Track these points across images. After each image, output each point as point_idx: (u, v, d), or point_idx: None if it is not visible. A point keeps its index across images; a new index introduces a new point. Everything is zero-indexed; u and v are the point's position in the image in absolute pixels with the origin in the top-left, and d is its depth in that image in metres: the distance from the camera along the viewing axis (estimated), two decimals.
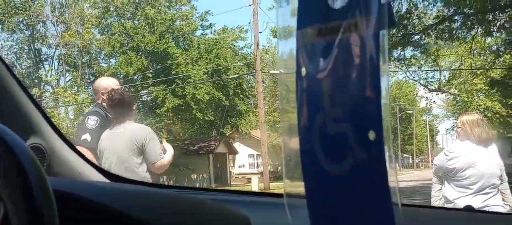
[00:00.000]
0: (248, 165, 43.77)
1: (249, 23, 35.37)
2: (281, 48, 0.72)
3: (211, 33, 36.83)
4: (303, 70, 0.65)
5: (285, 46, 0.71)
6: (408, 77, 32.78)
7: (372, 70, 0.56)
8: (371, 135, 0.57)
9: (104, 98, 4.63)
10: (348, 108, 0.59)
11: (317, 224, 0.66)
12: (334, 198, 0.63)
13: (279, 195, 0.77)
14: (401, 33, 19.37)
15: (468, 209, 2.12)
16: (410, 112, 62.90)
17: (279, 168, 37.20)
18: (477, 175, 4.34)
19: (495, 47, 21.52)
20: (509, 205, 4.50)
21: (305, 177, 0.66)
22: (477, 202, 4.22)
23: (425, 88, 32.06)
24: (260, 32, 28.92)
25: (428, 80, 29.91)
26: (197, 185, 34.22)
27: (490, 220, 1.38)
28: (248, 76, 35.71)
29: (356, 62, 0.58)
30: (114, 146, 4.37)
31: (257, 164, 40.93)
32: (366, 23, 0.56)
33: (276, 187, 24.51)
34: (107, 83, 4.93)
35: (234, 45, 36.14)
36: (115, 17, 37.37)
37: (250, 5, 26.96)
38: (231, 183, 38.57)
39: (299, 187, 0.68)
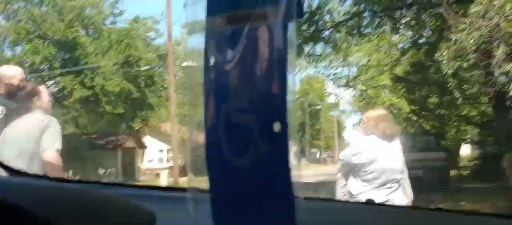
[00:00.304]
0: (158, 160, 43.10)
1: (162, 13, 34.83)
2: (191, 41, 0.70)
3: (122, 21, 35.92)
4: (212, 59, 0.63)
5: (195, 39, 0.69)
6: (317, 72, 33.44)
7: (279, 61, 0.55)
8: (276, 127, 0.55)
9: (7, 88, 4.42)
10: (254, 99, 0.57)
11: (219, 216, 0.64)
12: (238, 190, 0.61)
13: (186, 190, 0.75)
14: (312, 29, 19.69)
15: (369, 202, 2.17)
16: (319, 107, 64.02)
17: None
18: (381, 170, 4.42)
19: (401, 45, 22.35)
20: (408, 198, 4.64)
21: (209, 170, 0.64)
22: (380, 196, 4.32)
23: (334, 84, 32.78)
24: (173, 23, 28.58)
25: (337, 75, 30.58)
26: (104, 180, 33.44)
27: (388, 212, 1.42)
28: (160, 69, 35.10)
29: (264, 53, 0.56)
30: (16, 138, 4.17)
31: (167, 159, 40.48)
32: (275, 13, 0.55)
33: (186, 182, 24.24)
34: (11, 72, 4.69)
35: (147, 36, 35.47)
36: (22, 3, 35.77)
37: None
38: (140, 178, 37.90)
39: (203, 181, 0.66)
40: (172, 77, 24.50)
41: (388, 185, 4.46)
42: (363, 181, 4.49)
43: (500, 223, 1.17)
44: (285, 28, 0.54)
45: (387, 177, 4.46)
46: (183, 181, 25.45)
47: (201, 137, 0.66)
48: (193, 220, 0.74)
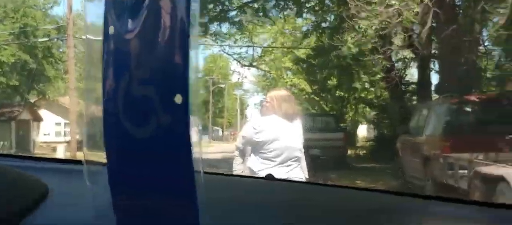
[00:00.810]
0: (55, 133, 41.66)
1: None
2: (90, 12, 0.67)
3: None
4: (111, 29, 0.61)
5: (94, 10, 0.66)
6: (222, 51, 33.50)
7: (181, 34, 0.54)
8: (178, 99, 0.55)
9: None
10: (155, 71, 0.56)
11: (116, 188, 0.63)
12: (136, 162, 0.60)
13: (82, 162, 0.73)
14: (219, 9, 19.69)
15: (269, 177, 2.20)
16: (223, 86, 64.30)
17: None
18: (281, 148, 4.51)
19: (305, 28, 22.80)
20: (305, 176, 4.78)
21: (107, 141, 0.63)
22: (280, 173, 4.40)
23: (238, 63, 33.00)
24: None
25: (241, 55, 30.79)
26: None
27: (286, 188, 1.44)
28: (60, 41, 33.82)
29: (166, 24, 0.55)
30: None
31: (65, 133, 39.16)
32: None
33: (82, 155, 23.64)
34: None
35: (45, 6, 34.05)
36: None
37: None
38: (35, 151, 36.50)
39: (100, 153, 0.65)
40: (71, 50, 23.58)
41: (288, 163, 4.56)
42: (264, 158, 4.55)
43: (389, 198, 1.23)
44: (187, 3, 0.54)
45: (287, 155, 4.55)
46: (81, 156, 24.65)
47: (99, 110, 0.64)
48: (89, 192, 0.72)
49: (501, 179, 6.87)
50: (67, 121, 33.51)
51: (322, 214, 1.03)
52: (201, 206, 0.58)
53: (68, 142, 28.97)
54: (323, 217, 1.00)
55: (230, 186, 1.31)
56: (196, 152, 0.56)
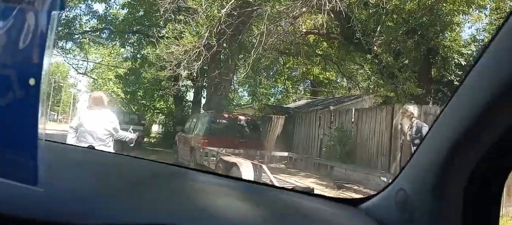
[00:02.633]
0: None
1: None
2: None
3: None
4: None
5: None
6: (64, 61, 30.09)
7: (40, 38, 0.47)
8: (32, 81, 0.48)
9: None
10: (16, 59, 0.48)
11: None
12: None
13: None
14: (66, 31, 18.01)
15: (91, 147, 2.02)
16: (62, 84, 58.65)
17: None
18: (94, 130, 4.46)
19: (125, 55, 22.00)
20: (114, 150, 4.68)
21: None
22: (96, 146, 4.23)
23: (76, 71, 29.88)
24: None
25: (79, 65, 28.01)
26: None
27: (98, 155, 1.35)
28: None
29: (29, 30, 0.48)
30: None
31: None
32: (42, 2, 0.47)
33: None
34: None
35: None
36: None
37: None
38: None
39: None
40: None
41: (99, 140, 4.40)
42: (83, 138, 4.40)
43: (163, 167, 1.23)
44: (48, 13, 0.47)
45: (98, 135, 4.43)
46: None
47: None
48: None
49: (235, 164, 7.25)
50: None
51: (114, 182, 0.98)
52: (41, 166, 0.50)
53: None
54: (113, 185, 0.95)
55: (58, 151, 1.19)
56: (41, 127, 0.50)
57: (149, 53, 16.15)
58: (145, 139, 20.16)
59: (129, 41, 19.19)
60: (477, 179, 0.69)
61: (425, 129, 6.11)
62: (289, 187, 1.16)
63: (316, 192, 1.14)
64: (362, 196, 1.09)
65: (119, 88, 25.30)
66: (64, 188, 0.76)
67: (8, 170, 0.50)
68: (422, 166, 0.78)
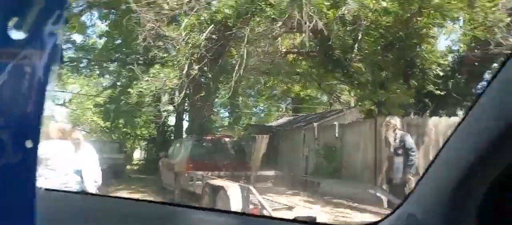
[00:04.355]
0: None
1: None
2: None
3: None
4: None
5: None
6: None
7: (39, 93, 0.44)
8: (29, 144, 0.44)
9: None
10: (12, 118, 0.45)
11: None
12: None
13: None
14: None
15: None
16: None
17: None
18: (65, 163, 4.27)
19: (105, 84, 21.78)
20: (92, 183, 4.52)
21: None
22: (64, 181, 4.11)
23: (53, 102, 29.28)
24: None
25: (56, 97, 27.41)
26: None
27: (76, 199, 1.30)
28: None
29: (26, 84, 0.45)
30: None
31: None
32: (40, 56, 0.44)
33: None
34: None
35: None
36: None
37: None
38: None
39: None
40: None
41: (69, 174, 4.27)
42: (53, 169, 4.15)
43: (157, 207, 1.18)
44: (46, 68, 0.44)
45: (71, 168, 4.30)
46: None
47: None
48: None
49: (222, 188, 7.15)
50: None
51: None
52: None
53: None
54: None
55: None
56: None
57: (129, 82, 16.03)
58: (127, 166, 19.81)
59: (108, 69, 19.05)
60: (489, 204, 0.68)
61: (408, 138, 6.28)
62: (291, 218, 1.13)
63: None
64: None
65: (99, 117, 24.86)
66: None
67: None
68: (431, 192, 0.77)
